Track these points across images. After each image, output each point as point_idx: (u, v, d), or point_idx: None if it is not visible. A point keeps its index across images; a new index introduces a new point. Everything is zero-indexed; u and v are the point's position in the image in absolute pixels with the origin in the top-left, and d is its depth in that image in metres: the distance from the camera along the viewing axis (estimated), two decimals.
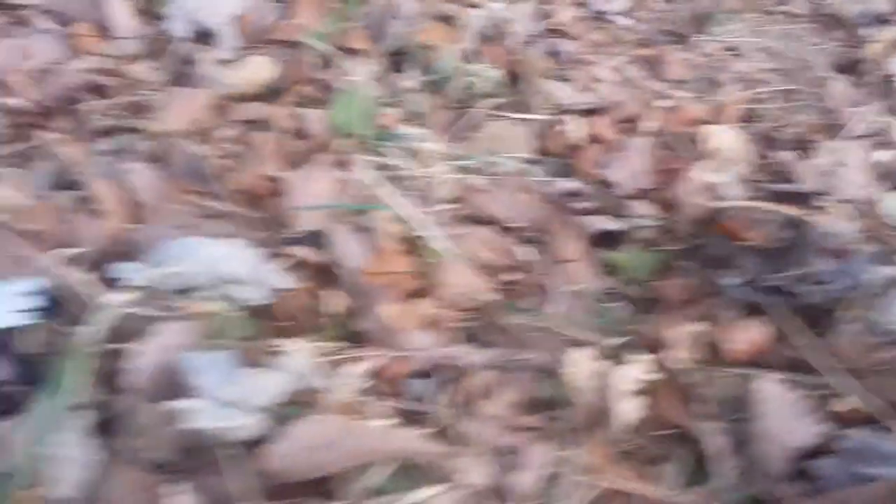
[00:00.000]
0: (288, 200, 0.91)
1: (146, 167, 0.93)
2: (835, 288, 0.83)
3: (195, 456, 0.62)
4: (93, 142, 1.00)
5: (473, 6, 1.38)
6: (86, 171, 0.94)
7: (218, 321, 0.72)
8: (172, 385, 0.64)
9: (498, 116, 1.17)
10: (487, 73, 1.22)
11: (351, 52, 1.22)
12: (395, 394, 0.76)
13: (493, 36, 1.33)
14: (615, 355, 0.81)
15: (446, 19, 1.32)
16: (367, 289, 0.85)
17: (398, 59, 1.23)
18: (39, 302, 0.70)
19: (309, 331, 0.79)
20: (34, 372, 0.69)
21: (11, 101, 1.03)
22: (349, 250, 0.88)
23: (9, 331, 0.69)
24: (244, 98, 1.13)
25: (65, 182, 0.95)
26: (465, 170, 1.05)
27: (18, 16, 1.21)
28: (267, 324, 0.78)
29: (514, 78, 1.26)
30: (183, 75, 1.14)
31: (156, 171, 0.94)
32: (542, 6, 1.48)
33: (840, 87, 1.48)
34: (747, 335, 0.82)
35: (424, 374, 0.78)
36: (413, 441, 0.63)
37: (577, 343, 0.84)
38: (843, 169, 1.22)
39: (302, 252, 0.87)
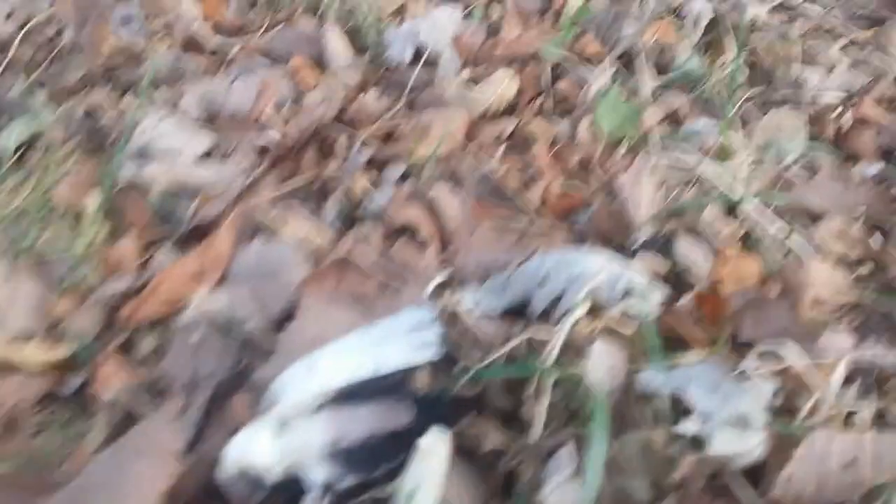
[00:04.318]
0: (618, 209, 0.82)
1: (450, 190, 0.84)
2: None
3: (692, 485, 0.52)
4: (367, 172, 0.92)
5: (678, 5, 1.31)
6: (377, 200, 0.86)
7: (633, 337, 0.63)
8: (647, 407, 0.54)
9: (763, 105, 1.08)
10: (727, 64, 1.13)
11: (585, 59, 1.14)
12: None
13: (714, 30, 1.24)
14: None
15: (663, 18, 1.25)
16: (728, 294, 0.75)
17: (634, 61, 1.15)
18: (436, 335, 0.61)
19: (699, 342, 0.69)
20: (430, 415, 0.60)
21: (268, 137, 0.96)
22: (696, 256, 0.79)
23: (408, 370, 0.60)
24: (494, 115, 1.05)
25: (352, 214, 0.87)
26: (762, 162, 0.95)
27: (218, 58, 1.17)
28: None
29: (755, 65, 1.17)
30: (422, 100, 1.07)
31: (457, 194, 0.85)
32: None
33: None
34: None
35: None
36: None
37: None
38: None
39: (650, 261, 0.77)
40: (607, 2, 1.28)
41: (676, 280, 0.77)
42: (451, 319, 0.67)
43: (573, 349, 0.62)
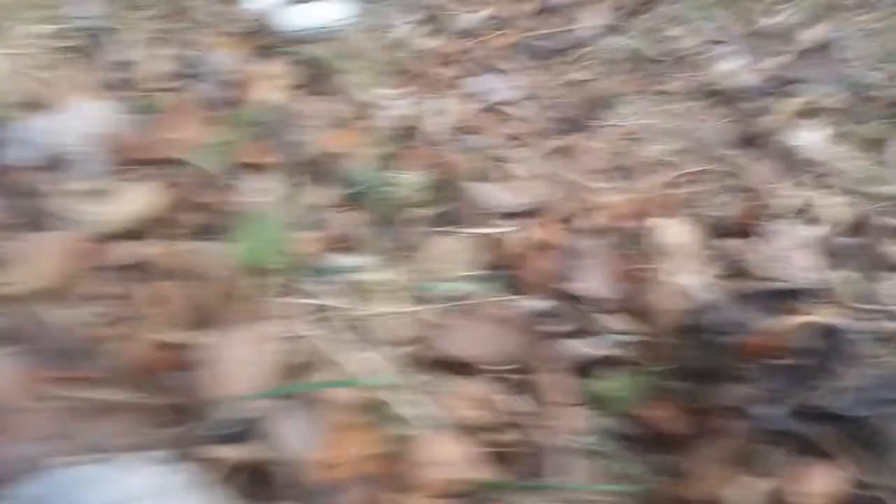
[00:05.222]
0: (202, 378, 0.68)
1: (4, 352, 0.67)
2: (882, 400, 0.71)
3: None
4: None
5: (375, 106, 1.23)
6: None
7: None
8: None
9: (432, 230, 1.00)
10: (410, 180, 1.06)
11: (248, 168, 1.01)
12: None
13: (405, 137, 1.17)
14: None
15: (351, 122, 1.16)
16: (324, 491, 0.63)
17: (305, 173, 1.04)
18: None
19: None
20: None
21: None
22: (293, 438, 0.66)
23: None
24: (119, 237, 0.89)
25: None
26: (414, 301, 0.86)
27: None
28: None
29: (439, 182, 1.10)
30: (32, 216, 0.89)
31: (6, 358, 0.67)
32: (437, 102, 1.34)
33: (753, 164, 1.45)
34: (819, 480, 0.68)
35: None
36: None
37: None
38: (792, 253, 1.15)
39: (230, 452, 0.64)
40: (289, 101, 1.17)
41: (266, 475, 0.64)
42: None
43: None
